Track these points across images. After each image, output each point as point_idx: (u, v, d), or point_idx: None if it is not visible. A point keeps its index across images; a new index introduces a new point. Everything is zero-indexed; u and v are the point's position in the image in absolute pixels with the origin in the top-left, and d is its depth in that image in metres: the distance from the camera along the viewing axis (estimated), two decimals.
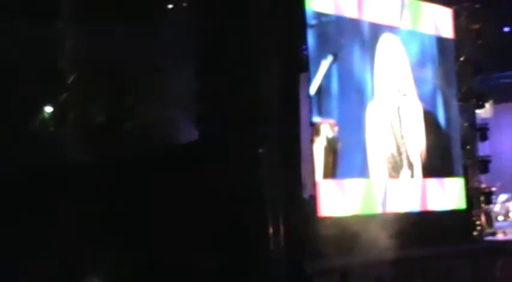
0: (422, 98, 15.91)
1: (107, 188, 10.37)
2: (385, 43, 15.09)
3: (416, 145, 15.60)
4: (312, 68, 13.32)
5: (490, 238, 17.41)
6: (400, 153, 15.15)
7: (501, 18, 20.49)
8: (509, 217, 21.08)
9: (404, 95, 15.27)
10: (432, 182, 15.92)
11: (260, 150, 11.63)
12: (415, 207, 15.38)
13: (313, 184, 13.11)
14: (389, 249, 12.49)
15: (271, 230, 11.20)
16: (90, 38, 11.02)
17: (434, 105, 16.30)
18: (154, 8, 11.68)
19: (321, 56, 13.56)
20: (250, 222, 11.04)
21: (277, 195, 11.57)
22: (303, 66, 13.08)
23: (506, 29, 21.68)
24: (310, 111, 13.12)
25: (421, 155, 15.65)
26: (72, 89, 10.87)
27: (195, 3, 11.84)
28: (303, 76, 13.02)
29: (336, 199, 13.49)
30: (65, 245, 9.82)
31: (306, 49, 13.27)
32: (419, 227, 14.57)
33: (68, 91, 10.89)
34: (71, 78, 10.85)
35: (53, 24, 10.98)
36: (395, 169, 15.02)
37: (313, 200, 13.05)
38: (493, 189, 19.58)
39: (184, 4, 11.85)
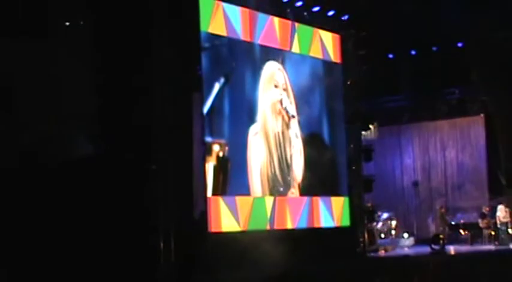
0: (310, 119, 16.70)
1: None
2: (270, 68, 15.69)
3: (304, 165, 16.32)
4: (205, 88, 13.76)
5: (372, 254, 18.25)
6: (287, 173, 15.84)
7: (386, 46, 21.50)
8: (391, 234, 21.88)
9: (293, 116, 15.95)
10: (319, 200, 16.69)
11: (153, 167, 12.06)
12: (302, 224, 16.07)
13: (205, 201, 13.53)
14: (277, 264, 13.01)
15: (162, 244, 11.64)
16: None
17: (321, 126, 17.13)
18: (50, 24, 11.74)
19: (214, 76, 14.08)
20: (141, 236, 11.43)
21: (168, 210, 12.03)
22: (196, 87, 13.57)
23: (390, 56, 22.75)
24: (203, 130, 13.57)
25: (308, 174, 16.35)
26: None
27: (92, 22, 12.08)
28: (196, 96, 13.55)
29: (226, 215, 14.03)
30: None
31: (200, 70, 13.72)
32: (306, 243, 15.23)
33: None
34: None
35: None
36: (283, 188, 15.69)
37: (204, 216, 13.43)
38: (377, 209, 20.55)
39: (81, 22, 12.02)
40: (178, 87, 12.85)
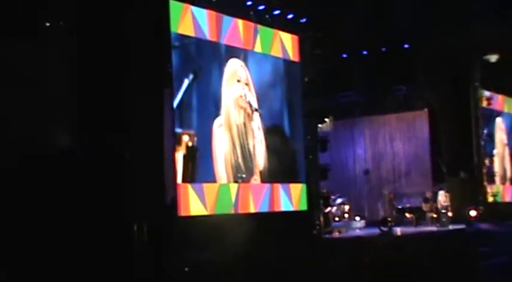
0: (271, 113, 16.84)
1: None
2: (233, 64, 15.75)
3: (265, 155, 16.46)
4: (175, 84, 13.85)
5: (327, 236, 18.46)
6: (250, 162, 15.95)
7: (340, 46, 21.69)
8: (344, 218, 22.10)
9: (256, 110, 16.06)
10: (279, 186, 16.86)
11: (127, 156, 12.08)
12: (264, 208, 16.21)
13: (175, 187, 13.63)
14: (241, 245, 13.13)
15: (135, 227, 11.69)
16: None
17: (281, 119, 17.28)
18: (32, 25, 11.64)
19: (184, 73, 14.16)
20: (117, 220, 11.47)
21: (142, 196, 12.09)
22: (167, 83, 13.63)
23: (344, 55, 22.95)
24: (173, 123, 13.66)
25: (269, 163, 16.51)
26: None
27: (71, 23, 12.03)
28: (167, 91, 13.60)
29: (194, 201, 14.11)
30: None
31: (171, 67, 13.79)
32: (267, 225, 15.38)
33: None
34: None
35: None
36: (246, 175, 15.79)
37: (174, 201, 13.51)
38: (332, 195, 20.79)
39: (61, 23, 11.95)
40: (150, 84, 12.89)
